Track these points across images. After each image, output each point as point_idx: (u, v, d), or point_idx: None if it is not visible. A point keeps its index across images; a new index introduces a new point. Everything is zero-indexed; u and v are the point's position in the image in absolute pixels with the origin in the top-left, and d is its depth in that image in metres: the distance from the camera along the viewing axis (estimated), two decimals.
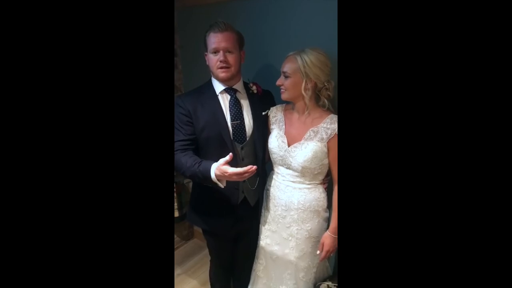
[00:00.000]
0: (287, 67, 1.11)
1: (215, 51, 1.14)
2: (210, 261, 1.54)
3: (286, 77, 1.11)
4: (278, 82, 1.14)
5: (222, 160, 1.02)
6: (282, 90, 1.15)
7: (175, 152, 1.12)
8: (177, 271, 1.99)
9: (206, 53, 1.19)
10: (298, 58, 1.08)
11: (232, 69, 1.15)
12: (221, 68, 1.14)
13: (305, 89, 1.10)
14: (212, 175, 1.04)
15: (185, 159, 1.10)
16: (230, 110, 1.20)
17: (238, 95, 1.22)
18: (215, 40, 1.12)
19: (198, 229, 2.14)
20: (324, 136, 1.12)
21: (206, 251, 1.59)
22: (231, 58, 1.14)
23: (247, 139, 1.23)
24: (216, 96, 1.20)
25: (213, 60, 1.15)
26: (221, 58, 1.12)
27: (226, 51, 1.13)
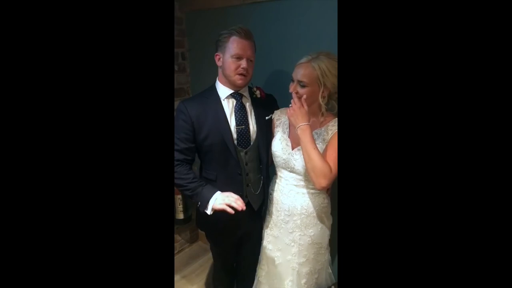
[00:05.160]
0: (304, 76, 1.06)
1: (239, 57, 1.12)
2: (213, 264, 1.54)
3: (303, 86, 1.07)
4: (293, 90, 1.10)
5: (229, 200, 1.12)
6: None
7: None
8: (181, 273, 1.99)
9: (218, 54, 1.17)
10: (316, 67, 1.04)
11: (249, 77, 1.16)
12: (241, 74, 1.13)
13: (322, 97, 1.08)
14: (210, 207, 1.14)
15: (179, 168, 1.16)
16: (235, 115, 1.20)
17: (243, 100, 1.22)
18: (240, 46, 1.11)
19: (202, 232, 2.13)
20: (326, 138, 1.11)
21: (210, 254, 1.59)
22: (250, 66, 1.15)
23: (251, 144, 1.22)
24: (220, 101, 1.20)
25: (234, 65, 1.12)
26: (245, 66, 1.12)
27: (249, 59, 1.13)
